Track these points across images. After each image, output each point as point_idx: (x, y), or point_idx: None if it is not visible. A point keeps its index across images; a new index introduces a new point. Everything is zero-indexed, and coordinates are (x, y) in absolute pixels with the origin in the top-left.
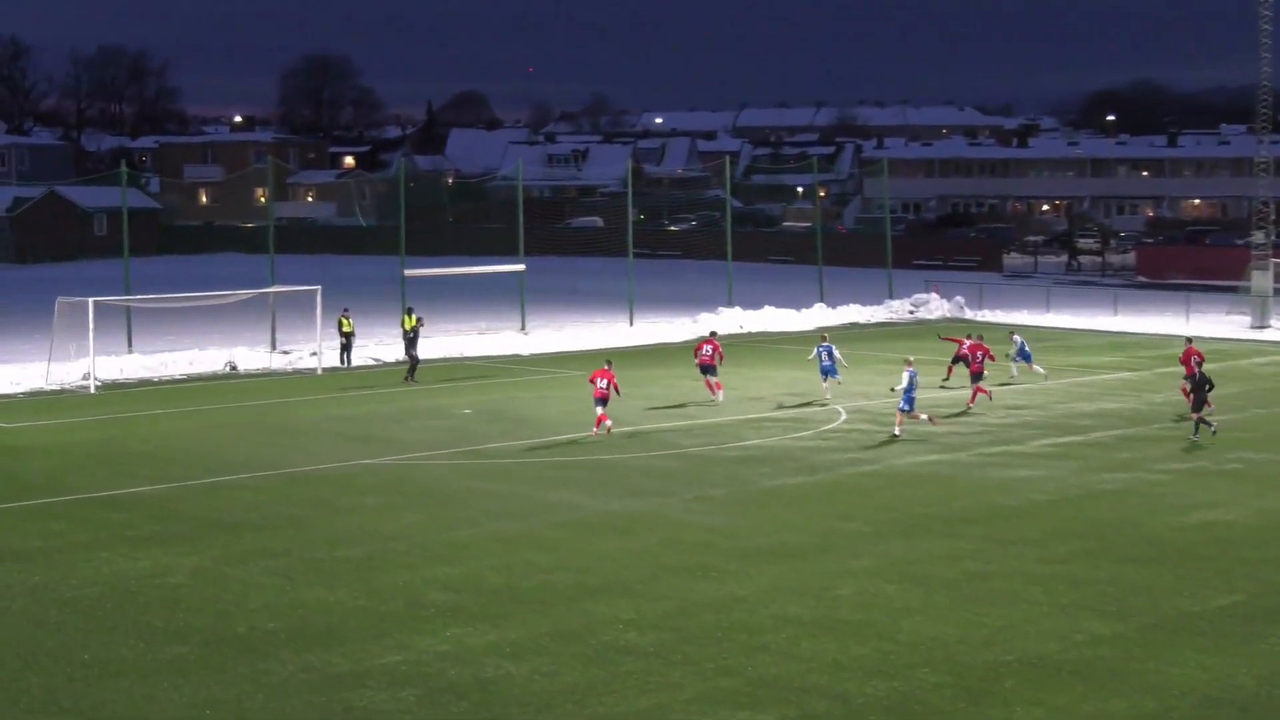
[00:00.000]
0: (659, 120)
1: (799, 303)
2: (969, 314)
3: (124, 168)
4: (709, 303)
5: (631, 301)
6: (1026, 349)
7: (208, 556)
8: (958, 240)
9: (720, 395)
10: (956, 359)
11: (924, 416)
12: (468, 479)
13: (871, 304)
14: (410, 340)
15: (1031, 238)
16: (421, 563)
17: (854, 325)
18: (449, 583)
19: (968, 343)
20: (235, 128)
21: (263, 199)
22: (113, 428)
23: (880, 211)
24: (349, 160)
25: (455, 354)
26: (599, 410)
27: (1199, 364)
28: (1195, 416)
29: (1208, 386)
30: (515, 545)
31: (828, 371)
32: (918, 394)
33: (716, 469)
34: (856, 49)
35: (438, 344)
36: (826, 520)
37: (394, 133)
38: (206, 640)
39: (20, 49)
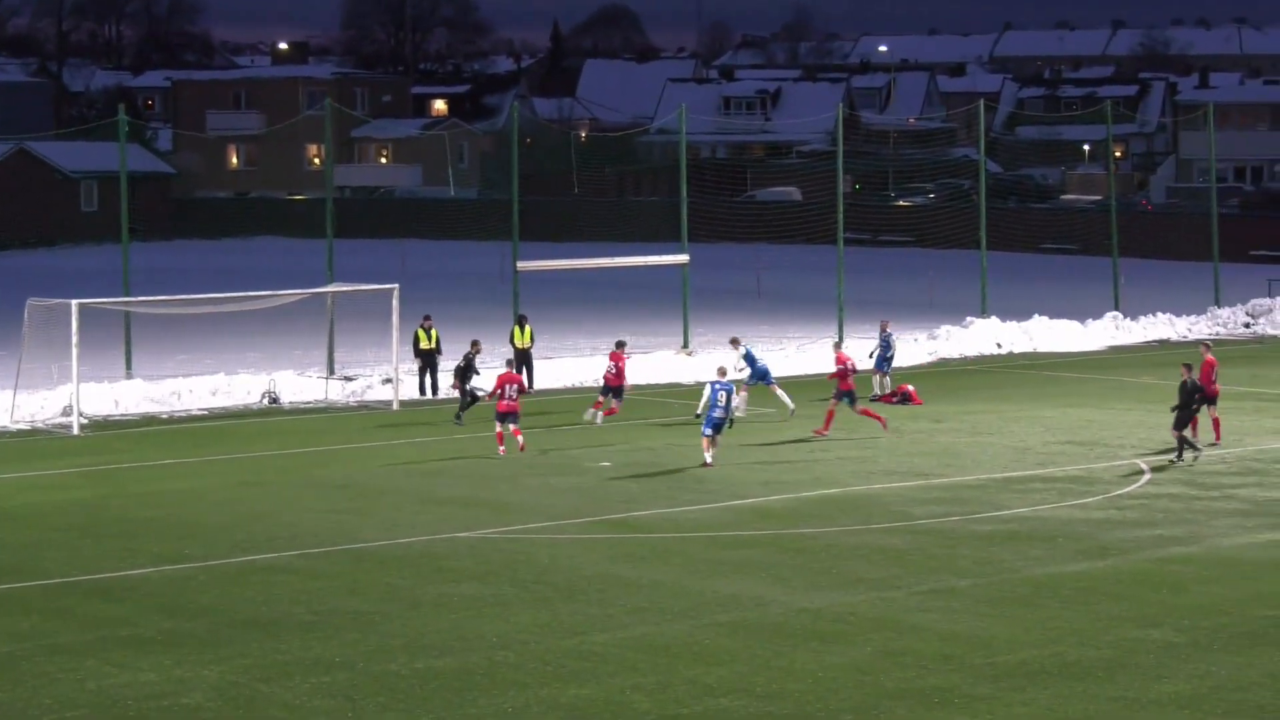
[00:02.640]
0: (883, 48)
1: (1084, 311)
2: None
3: (123, 115)
4: (954, 310)
5: (841, 309)
6: (891, 352)
7: (237, 667)
8: None
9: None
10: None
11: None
12: (606, 561)
13: (1190, 313)
14: (464, 368)
15: None
16: (539, 680)
17: (1164, 343)
18: (579, 709)
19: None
20: (280, 58)
21: (318, 160)
22: (105, 484)
23: (1204, 180)
24: (440, 105)
25: (589, 381)
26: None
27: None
28: (1175, 434)
29: (1195, 399)
30: (673, 656)
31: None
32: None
33: (962, 549)
34: None
35: (562, 368)
36: (1120, 625)
37: (505, 66)
38: None
39: None
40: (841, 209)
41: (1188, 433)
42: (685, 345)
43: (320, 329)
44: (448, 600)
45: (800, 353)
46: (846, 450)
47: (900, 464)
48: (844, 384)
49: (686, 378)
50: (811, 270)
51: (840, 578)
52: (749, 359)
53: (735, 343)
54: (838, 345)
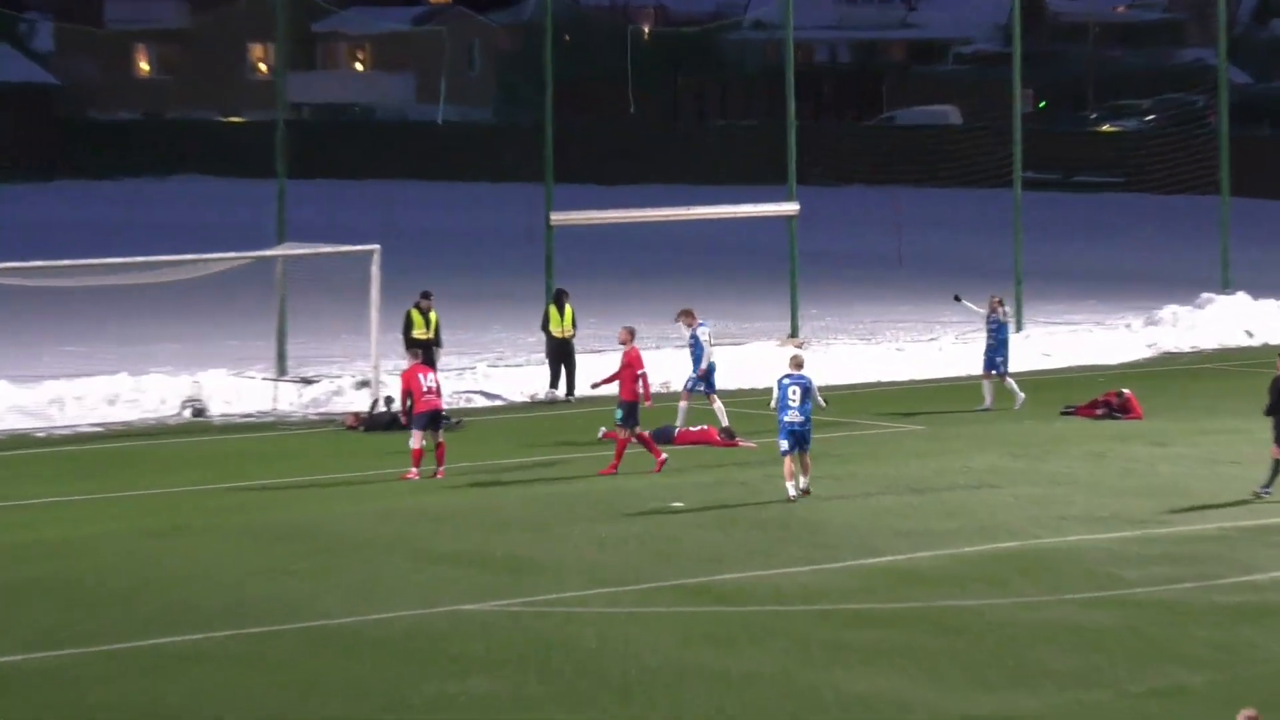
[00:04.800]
0: None
1: None
2: None
3: None
4: (1182, 283)
5: (1019, 282)
6: (1003, 337)
7: None
8: None
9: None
10: None
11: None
12: (679, 644)
13: None
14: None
15: None
16: None
17: None
18: None
19: None
20: None
21: (264, 67)
22: None
23: None
24: None
25: (654, 387)
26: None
27: None
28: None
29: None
30: None
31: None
32: None
33: (1196, 629)
34: None
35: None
36: None
37: None
38: None
39: None
40: (1019, 137)
41: None
42: (793, 333)
43: (267, 310)
44: (449, 702)
45: (959, 344)
46: (1028, 484)
47: (1105, 505)
48: (626, 391)
49: None
50: (975, 226)
51: (1019, 671)
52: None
53: (688, 316)
54: (631, 334)
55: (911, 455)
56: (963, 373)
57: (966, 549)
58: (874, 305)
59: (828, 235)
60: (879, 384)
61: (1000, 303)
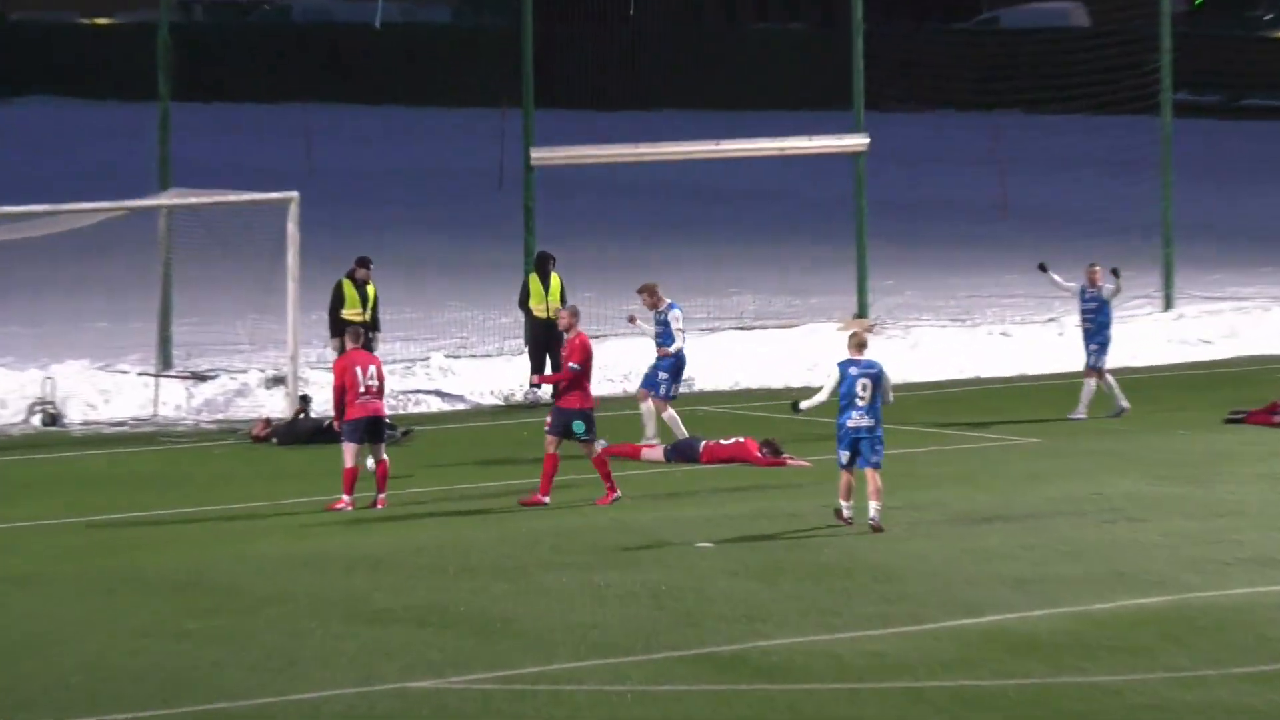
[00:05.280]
0: None
1: None
2: None
3: None
4: None
5: (1168, 243)
6: (1108, 325)
7: None
8: None
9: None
10: None
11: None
12: None
13: None
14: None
15: None
16: None
17: None
18: None
19: None
20: None
21: None
22: None
23: None
24: None
25: (716, 383)
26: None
27: None
28: None
29: None
30: None
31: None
32: None
33: None
34: None
35: (618, 353)
36: None
37: None
38: None
39: None
40: (1169, 45)
41: None
42: (860, 312)
43: (145, 281)
44: None
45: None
46: (1181, 518)
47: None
48: (567, 397)
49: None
50: (1108, 165)
51: None
52: (665, 331)
53: (652, 295)
54: (575, 315)
55: (1022, 478)
56: (1058, 368)
57: (1097, 605)
58: (970, 274)
59: (907, 179)
60: (977, 380)
61: (1114, 272)
